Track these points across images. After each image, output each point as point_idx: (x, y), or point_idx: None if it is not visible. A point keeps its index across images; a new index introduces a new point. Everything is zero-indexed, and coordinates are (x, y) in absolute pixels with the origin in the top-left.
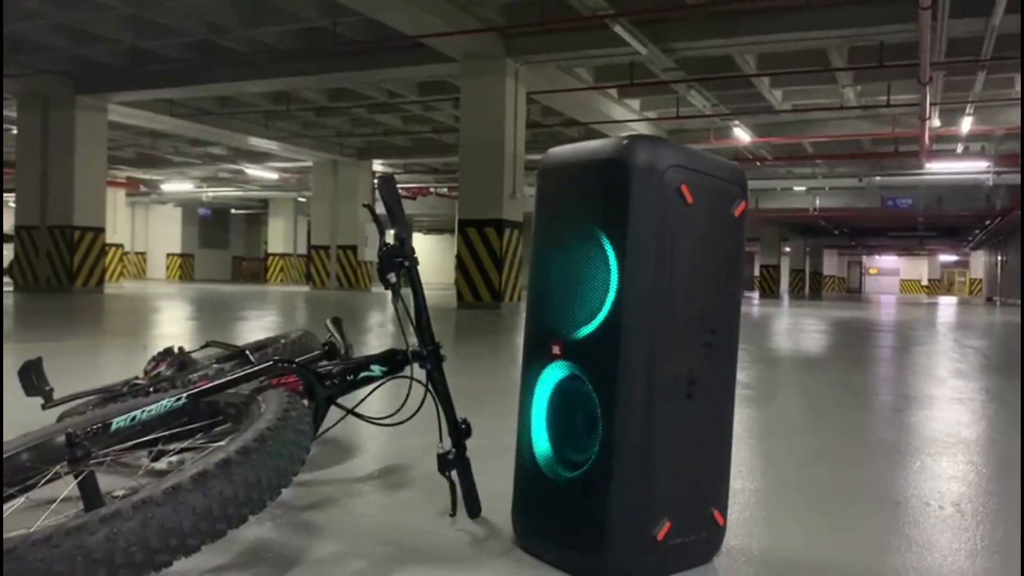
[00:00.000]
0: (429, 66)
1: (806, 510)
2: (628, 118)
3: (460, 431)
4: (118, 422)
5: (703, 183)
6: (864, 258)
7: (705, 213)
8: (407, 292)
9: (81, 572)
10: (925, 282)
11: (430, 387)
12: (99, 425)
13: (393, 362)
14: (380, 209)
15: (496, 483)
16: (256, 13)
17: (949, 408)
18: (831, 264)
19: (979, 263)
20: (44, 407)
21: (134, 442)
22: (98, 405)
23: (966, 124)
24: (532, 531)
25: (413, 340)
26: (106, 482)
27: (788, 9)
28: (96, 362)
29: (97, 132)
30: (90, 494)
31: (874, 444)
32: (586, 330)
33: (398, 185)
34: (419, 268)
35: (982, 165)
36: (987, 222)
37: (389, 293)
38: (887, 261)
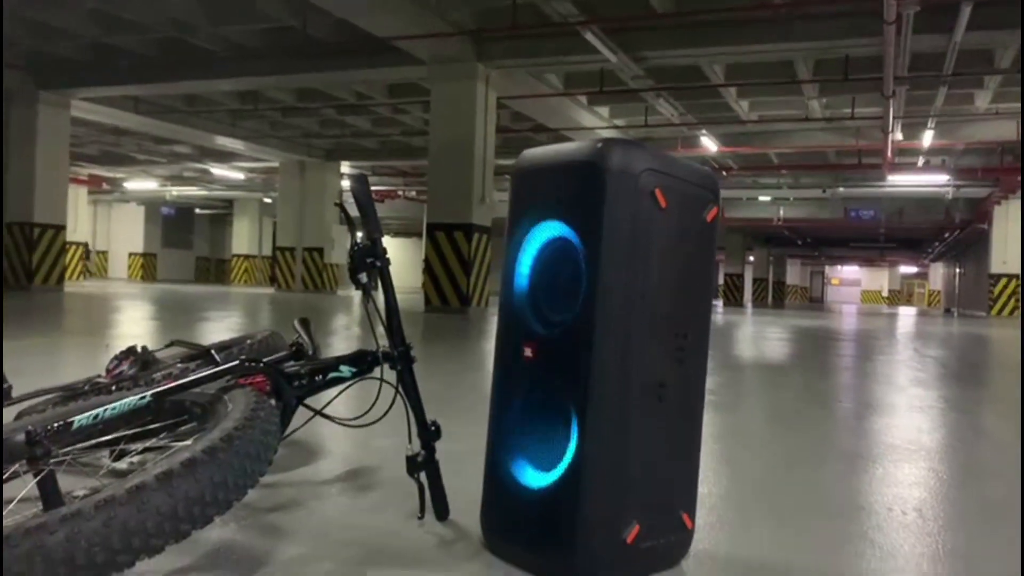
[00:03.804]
0: (399, 68)
1: (772, 515)
2: (597, 125)
3: (429, 433)
4: (80, 420)
5: (677, 187)
6: (826, 268)
7: (678, 217)
8: (378, 293)
9: (40, 572)
10: (886, 293)
11: (400, 388)
12: (60, 423)
13: (363, 363)
14: (352, 209)
15: (465, 485)
16: (224, 11)
17: (910, 416)
18: (794, 274)
19: (938, 275)
20: (2, 405)
21: (96, 441)
22: (59, 403)
23: (927, 138)
24: (501, 534)
25: (384, 341)
26: (66, 482)
27: (756, 21)
28: (56, 361)
29: (59, 128)
30: (50, 494)
31: (838, 450)
32: (558, 332)
33: None
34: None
35: (942, 179)
36: (946, 234)
37: (358, 294)
38: (849, 271)
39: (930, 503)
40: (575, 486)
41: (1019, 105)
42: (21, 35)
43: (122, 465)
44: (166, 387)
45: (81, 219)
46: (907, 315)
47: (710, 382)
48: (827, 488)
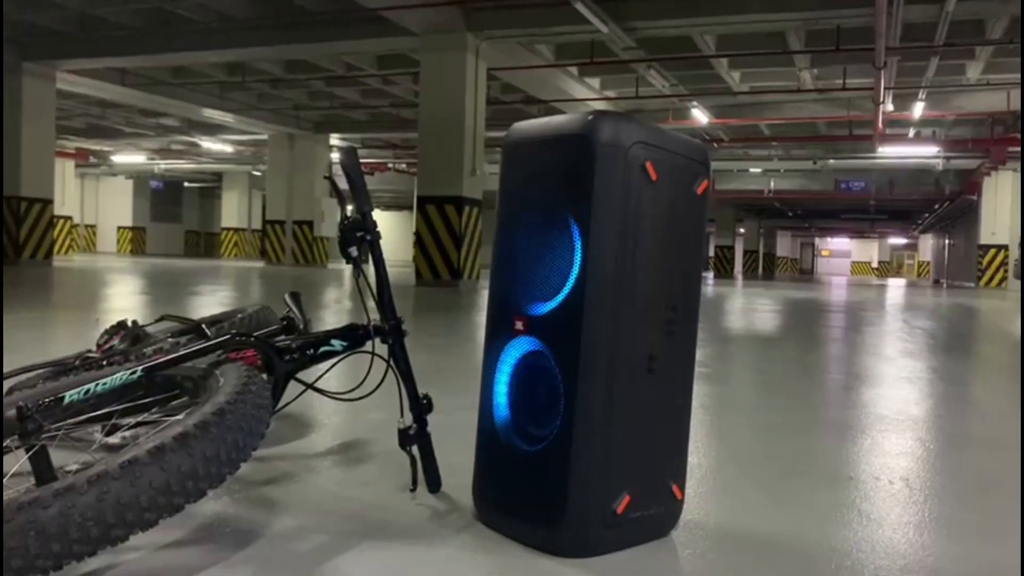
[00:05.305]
0: (389, 39)
1: (761, 485)
2: (588, 96)
3: (421, 406)
4: (71, 395)
5: (667, 160)
6: (817, 240)
7: (668, 190)
8: (368, 267)
9: (34, 547)
10: (875, 264)
11: (391, 362)
12: (51, 398)
13: (354, 337)
14: (341, 182)
15: (457, 458)
16: None
17: (898, 386)
18: (784, 245)
19: (927, 246)
20: None
21: (88, 416)
22: (50, 378)
23: (918, 109)
24: (493, 505)
25: (375, 315)
26: (59, 457)
27: None
28: (46, 336)
29: (45, 101)
30: (42, 469)
31: (826, 421)
32: (549, 306)
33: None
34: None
35: (932, 150)
36: (936, 206)
37: (348, 268)
38: (839, 243)
39: (917, 472)
40: (565, 457)
41: (1010, 75)
42: (5, 5)
43: (114, 440)
44: (157, 361)
45: (69, 193)
46: (896, 286)
47: (700, 354)
48: (816, 458)
